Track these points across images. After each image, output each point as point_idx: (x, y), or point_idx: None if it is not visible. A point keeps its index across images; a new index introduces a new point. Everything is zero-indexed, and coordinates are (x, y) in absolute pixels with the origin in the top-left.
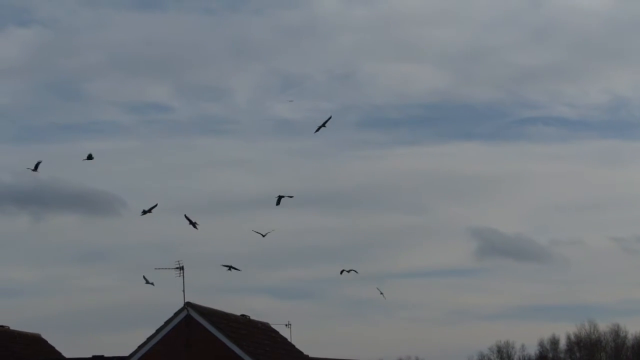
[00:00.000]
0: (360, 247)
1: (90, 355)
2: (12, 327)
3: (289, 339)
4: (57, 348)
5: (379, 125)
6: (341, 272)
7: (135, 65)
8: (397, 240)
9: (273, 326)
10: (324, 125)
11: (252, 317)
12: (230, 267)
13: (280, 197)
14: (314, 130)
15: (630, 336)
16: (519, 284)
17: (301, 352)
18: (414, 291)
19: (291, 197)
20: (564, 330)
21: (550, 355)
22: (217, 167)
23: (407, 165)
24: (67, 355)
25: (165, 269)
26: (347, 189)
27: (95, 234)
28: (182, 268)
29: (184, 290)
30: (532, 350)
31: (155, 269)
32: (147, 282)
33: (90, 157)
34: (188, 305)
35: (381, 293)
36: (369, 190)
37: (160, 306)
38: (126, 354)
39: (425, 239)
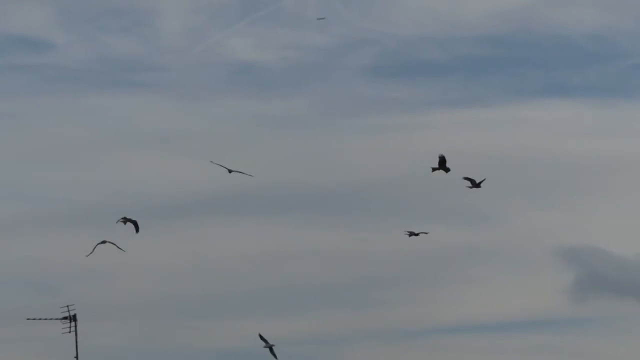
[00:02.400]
0: (382, 283)
1: None
2: None
3: None
4: None
5: (409, 73)
6: None
7: None
8: (443, 271)
9: None
10: None
11: None
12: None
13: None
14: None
15: None
16: None
17: None
18: (474, 355)
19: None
20: None
21: None
22: (131, 145)
23: (456, 140)
24: None
25: (46, 319)
26: (357, 183)
27: None
28: (73, 318)
29: (77, 356)
30: None
31: (28, 319)
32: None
33: None
34: None
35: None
36: (393, 186)
37: None
38: None
39: (489, 268)
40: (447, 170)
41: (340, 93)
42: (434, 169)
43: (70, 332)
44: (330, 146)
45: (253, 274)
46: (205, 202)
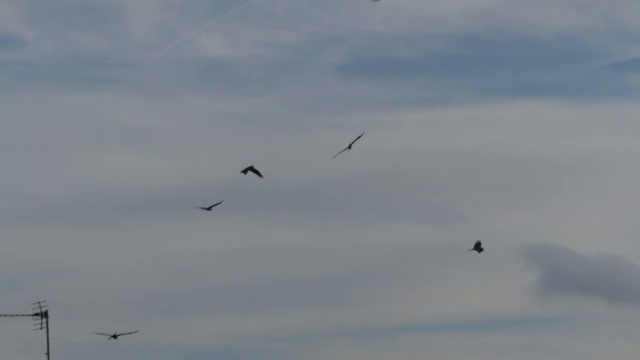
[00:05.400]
0: (349, 281)
1: None
2: None
3: None
4: None
5: (378, 71)
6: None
7: None
8: (410, 270)
9: None
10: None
11: None
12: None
13: (248, 170)
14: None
15: None
16: (615, 342)
17: None
18: (443, 353)
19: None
20: None
21: None
22: (100, 142)
23: (425, 140)
24: None
25: (17, 316)
26: (325, 181)
27: None
28: (45, 315)
29: (48, 353)
30: None
31: None
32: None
33: None
34: None
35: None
36: (362, 184)
37: None
38: None
39: (458, 266)
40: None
41: (310, 91)
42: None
43: (41, 328)
44: (300, 144)
45: (223, 271)
46: (174, 199)
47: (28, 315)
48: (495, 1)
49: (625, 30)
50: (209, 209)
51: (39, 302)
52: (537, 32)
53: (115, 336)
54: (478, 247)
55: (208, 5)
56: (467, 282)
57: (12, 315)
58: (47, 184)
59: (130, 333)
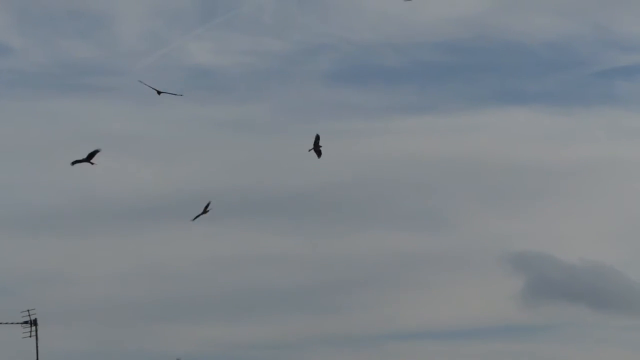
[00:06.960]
0: (337, 289)
1: None
2: None
3: None
4: None
5: (367, 78)
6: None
7: None
8: (397, 277)
9: None
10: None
11: None
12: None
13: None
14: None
15: None
16: (601, 349)
17: None
18: None
19: (206, 211)
20: None
21: None
22: (89, 150)
23: (412, 148)
24: None
25: (6, 324)
26: (312, 189)
27: None
28: (34, 323)
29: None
30: None
31: None
32: None
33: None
34: None
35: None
36: (348, 192)
37: None
38: None
39: (444, 273)
40: None
41: (297, 98)
42: None
43: (30, 336)
44: (288, 151)
45: (211, 279)
46: (163, 206)
47: (17, 323)
48: (483, 9)
49: (612, 38)
50: (204, 212)
51: (28, 310)
52: (524, 40)
53: None
54: None
55: (197, 13)
56: (454, 289)
57: (1, 323)
58: (35, 191)
59: None
